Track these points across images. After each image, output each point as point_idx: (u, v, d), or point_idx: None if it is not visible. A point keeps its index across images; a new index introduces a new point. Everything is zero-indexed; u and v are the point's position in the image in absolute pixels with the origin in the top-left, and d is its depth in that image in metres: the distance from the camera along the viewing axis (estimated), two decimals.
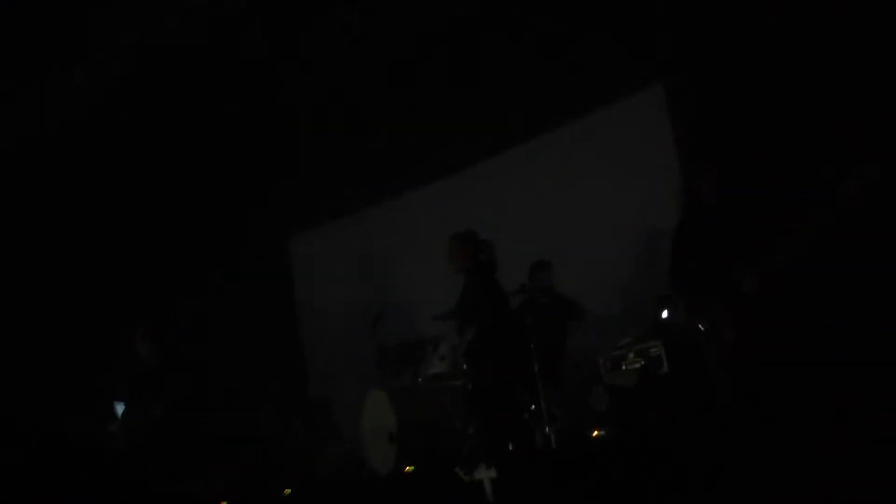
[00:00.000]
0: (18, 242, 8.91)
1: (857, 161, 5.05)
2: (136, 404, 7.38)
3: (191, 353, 8.26)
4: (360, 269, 9.76)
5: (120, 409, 7.45)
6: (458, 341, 6.49)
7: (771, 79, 6.44)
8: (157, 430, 7.19)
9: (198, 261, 9.89)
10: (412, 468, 6.98)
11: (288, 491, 7.51)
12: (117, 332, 8.01)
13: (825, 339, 5.59)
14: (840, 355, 5.48)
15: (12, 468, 4.02)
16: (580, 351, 7.28)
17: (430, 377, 7.13)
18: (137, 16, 7.94)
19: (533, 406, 6.58)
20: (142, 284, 9.35)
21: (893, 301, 5.59)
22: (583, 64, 7.73)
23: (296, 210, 10.21)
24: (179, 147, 9.28)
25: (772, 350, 5.38)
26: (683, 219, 5.90)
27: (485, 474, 5.17)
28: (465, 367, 6.55)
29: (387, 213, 9.60)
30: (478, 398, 6.40)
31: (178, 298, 9.48)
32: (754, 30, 6.54)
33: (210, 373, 8.55)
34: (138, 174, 9.30)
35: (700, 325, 5.62)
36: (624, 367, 6.62)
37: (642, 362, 6.55)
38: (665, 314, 6.77)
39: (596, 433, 6.54)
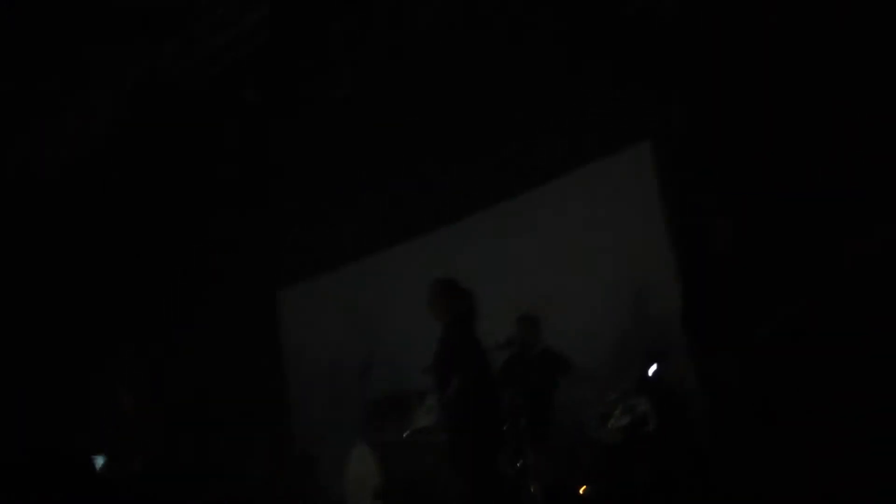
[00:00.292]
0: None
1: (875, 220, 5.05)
2: (115, 457, 7.29)
3: (173, 405, 8.19)
4: (347, 322, 9.71)
5: (99, 462, 7.34)
6: (440, 394, 6.33)
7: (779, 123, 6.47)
8: (136, 483, 7.09)
9: (184, 312, 9.85)
10: None
11: None
12: (99, 382, 7.95)
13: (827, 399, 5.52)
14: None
15: None
16: (567, 406, 7.23)
17: (416, 431, 7.08)
18: (132, 62, 7.98)
19: (519, 462, 6.52)
20: (125, 336, 9.29)
21: None
22: (571, 119, 7.77)
23: (284, 262, 10.20)
24: (170, 195, 9.29)
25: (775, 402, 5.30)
26: (698, 266, 5.83)
27: None
28: (443, 420, 6.44)
29: (374, 266, 9.59)
30: (455, 453, 6.28)
31: (162, 350, 9.42)
32: (755, 74, 6.58)
33: (192, 425, 8.47)
34: (128, 222, 9.30)
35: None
36: (611, 424, 6.59)
37: (629, 419, 6.53)
38: (652, 371, 6.75)
39: (583, 489, 6.47)
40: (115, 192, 9.02)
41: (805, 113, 6.27)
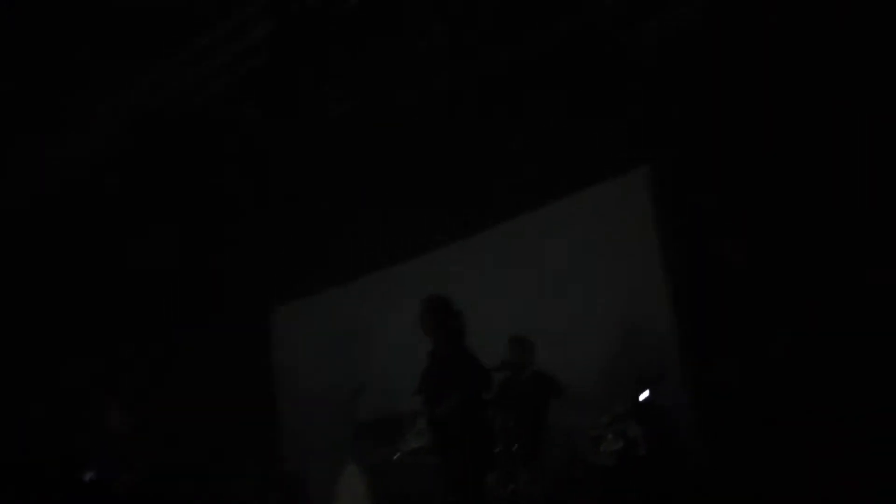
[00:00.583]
0: None
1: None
2: (106, 476, 7.27)
3: (163, 425, 8.18)
4: (340, 342, 9.70)
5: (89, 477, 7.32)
6: (429, 411, 6.21)
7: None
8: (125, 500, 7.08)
9: (177, 331, 9.84)
10: None
11: None
12: (89, 401, 7.93)
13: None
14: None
15: None
16: (559, 429, 7.21)
17: (407, 452, 7.05)
18: (133, 79, 8.03)
19: (511, 485, 6.50)
20: (117, 354, 9.28)
21: None
22: (568, 145, 7.81)
23: (277, 283, 10.20)
24: (169, 211, 9.31)
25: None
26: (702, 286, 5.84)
27: None
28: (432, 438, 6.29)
29: (368, 286, 9.59)
30: (446, 474, 6.20)
31: (153, 369, 9.40)
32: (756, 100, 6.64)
33: (183, 444, 8.45)
34: (126, 239, 9.32)
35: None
36: (602, 447, 6.58)
37: (621, 443, 6.52)
38: (644, 395, 6.75)
39: None
40: (113, 208, 9.05)
41: (806, 134, 6.32)
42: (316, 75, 8.01)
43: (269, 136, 8.64)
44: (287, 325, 10.53)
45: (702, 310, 5.82)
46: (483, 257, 8.73)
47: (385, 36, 7.62)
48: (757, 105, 6.58)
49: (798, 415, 5.56)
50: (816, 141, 6.25)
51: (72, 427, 8.19)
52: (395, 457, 7.46)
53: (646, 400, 6.67)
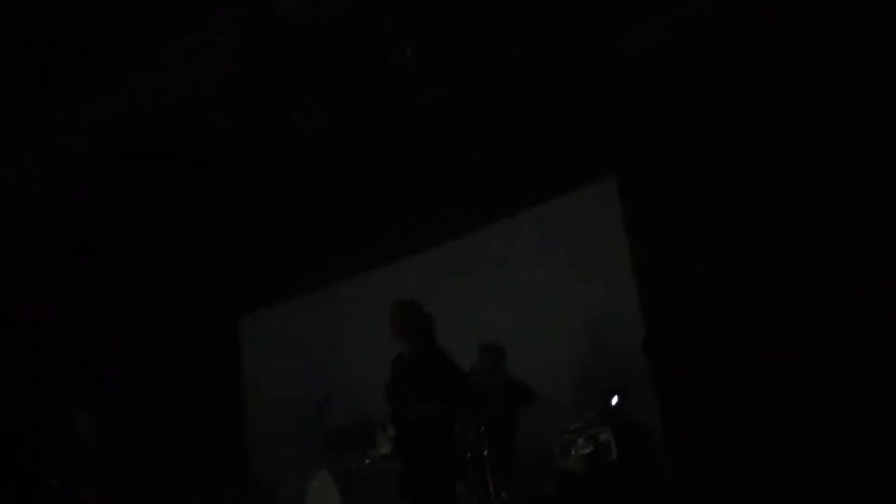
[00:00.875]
0: None
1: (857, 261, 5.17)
2: (70, 484, 7.22)
3: (131, 434, 8.14)
4: (307, 352, 9.70)
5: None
6: (397, 415, 6.23)
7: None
8: None
9: (144, 339, 9.79)
10: None
11: None
12: (57, 411, 7.87)
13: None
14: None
15: None
16: (530, 435, 7.28)
17: (378, 459, 7.08)
18: (101, 92, 7.99)
19: (481, 491, 6.55)
20: (83, 363, 9.21)
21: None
22: (537, 154, 7.90)
23: (244, 291, 10.18)
24: (131, 227, 9.27)
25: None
26: (678, 296, 5.92)
27: None
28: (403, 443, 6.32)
29: (336, 295, 9.61)
30: (414, 481, 6.19)
31: (120, 378, 9.34)
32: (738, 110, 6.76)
33: (150, 454, 8.40)
34: (88, 254, 9.27)
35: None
36: (573, 453, 6.66)
37: (592, 448, 6.60)
38: (615, 401, 6.85)
39: None
40: (79, 219, 8.98)
41: (779, 147, 6.46)
42: (287, 87, 8.05)
43: (238, 147, 8.64)
44: (254, 333, 10.51)
45: (672, 317, 5.91)
46: (453, 265, 8.77)
47: (355, 51, 7.69)
48: (730, 116, 6.72)
49: (766, 427, 5.67)
50: (790, 153, 6.39)
51: (38, 435, 8.13)
52: (366, 463, 7.50)
53: (616, 406, 6.78)
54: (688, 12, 6.78)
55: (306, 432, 8.27)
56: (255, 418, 10.13)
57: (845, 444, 5.58)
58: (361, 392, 8.58)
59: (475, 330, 7.77)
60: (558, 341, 7.84)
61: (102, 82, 8.07)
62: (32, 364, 8.91)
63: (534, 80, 7.60)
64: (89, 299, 9.41)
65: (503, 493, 6.58)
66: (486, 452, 6.54)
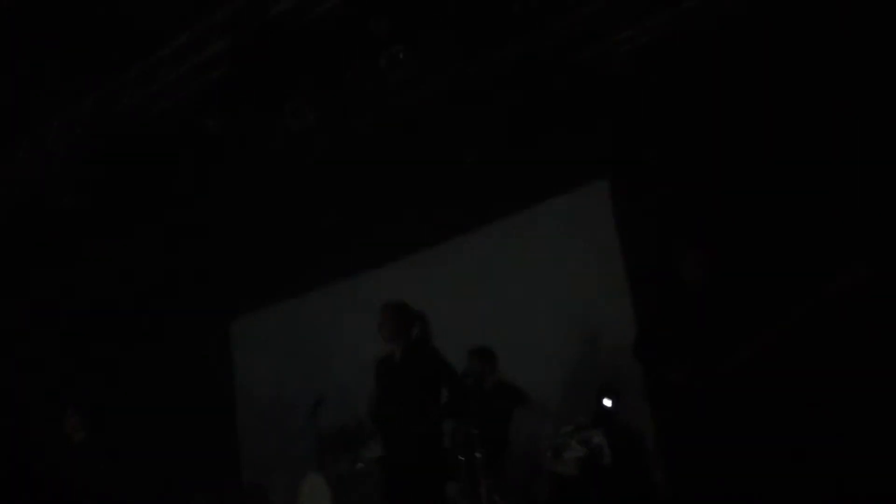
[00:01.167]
0: None
1: (845, 260, 5.16)
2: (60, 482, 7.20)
3: (121, 436, 8.11)
4: (299, 354, 9.69)
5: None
6: (390, 421, 6.07)
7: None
8: None
9: (135, 344, 9.77)
10: None
11: None
12: (48, 412, 7.85)
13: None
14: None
15: None
16: (522, 438, 7.28)
17: (370, 461, 7.06)
18: (92, 90, 7.96)
19: (474, 494, 6.55)
20: (75, 363, 9.19)
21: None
22: (529, 155, 7.90)
23: (236, 294, 10.17)
24: (126, 225, 9.24)
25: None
26: (665, 296, 5.90)
27: None
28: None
29: (327, 298, 9.60)
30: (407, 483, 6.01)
31: (112, 381, 9.32)
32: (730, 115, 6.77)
33: (141, 456, 8.38)
34: (78, 257, 9.24)
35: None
36: (566, 456, 6.65)
37: (584, 451, 6.60)
38: (607, 403, 6.84)
39: None
40: (68, 223, 8.95)
41: (766, 145, 6.47)
42: (276, 89, 8.04)
43: (229, 148, 8.62)
44: (246, 337, 10.50)
45: (661, 318, 5.91)
46: (443, 268, 8.78)
47: (347, 52, 7.67)
48: (721, 116, 6.73)
49: (757, 426, 5.66)
50: (779, 154, 6.41)
51: (29, 433, 8.11)
52: (358, 465, 7.48)
53: (609, 409, 6.77)
54: (679, 12, 6.78)
55: (298, 435, 8.28)
56: (246, 421, 10.12)
57: (837, 441, 5.59)
58: (353, 395, 8.56)
59: (466, 333, 7.76)
60: (550, 344, 7.85)
61: (94, 83, 8.06)
62: (25, 363, 8.88)
63: (525, 80, 7.60)
64: (81, 301, 9.38)
65: (495, 496, 6.57)
66: (478, 455, 6.54)
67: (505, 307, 8.19)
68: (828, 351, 5.65)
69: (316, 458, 7.81)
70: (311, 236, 9.36)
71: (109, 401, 8.64)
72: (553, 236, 8.06)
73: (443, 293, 8.57)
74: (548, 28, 7.27)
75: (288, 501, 7.95)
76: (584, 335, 7.73)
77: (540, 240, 8.14)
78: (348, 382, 8.84)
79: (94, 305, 9.49)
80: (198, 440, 9.38)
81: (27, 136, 8.41)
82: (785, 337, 5.20)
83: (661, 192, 7.10)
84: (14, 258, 8.97)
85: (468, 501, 6.64)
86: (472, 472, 6.61)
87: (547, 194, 8.12)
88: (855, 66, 6.24)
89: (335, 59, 7.77)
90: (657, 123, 7.19)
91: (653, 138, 7.22)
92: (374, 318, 6.42)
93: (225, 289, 10.14)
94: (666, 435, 6.69)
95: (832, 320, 5.13)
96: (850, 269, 4.97)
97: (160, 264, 9.72)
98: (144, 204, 9.02)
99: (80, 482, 7.27)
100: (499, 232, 8.50)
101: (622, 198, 7.59)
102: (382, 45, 7.41)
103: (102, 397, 8.48)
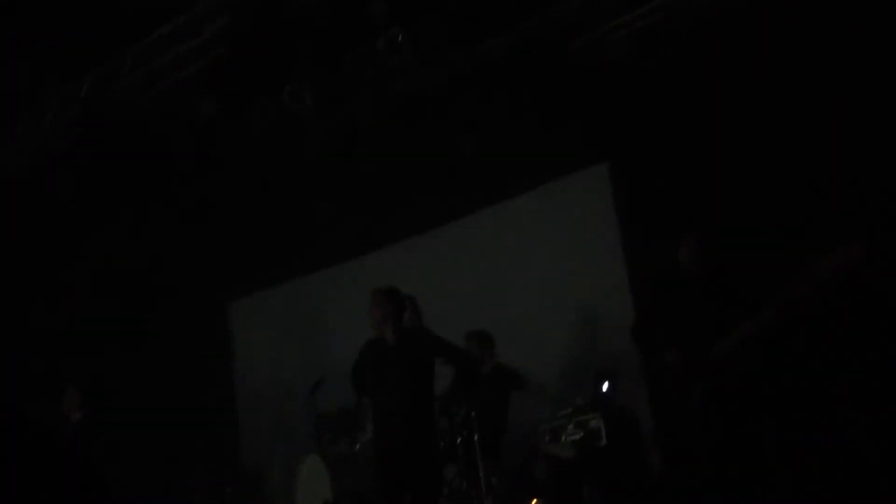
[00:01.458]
0: None
1: (839, 241, 5.18)
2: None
3: (119, 416, 8.15)
4: (297, 335, 9.72)
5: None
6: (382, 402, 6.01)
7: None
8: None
9: (135, 326, 9.80)
10: None
11: None
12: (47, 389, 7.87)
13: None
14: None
15: None
16: (520, 421, 7.32)
17: (368, 443, 7.09)
18: (89, 72, 7.96)
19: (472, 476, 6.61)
20: (75, 342, 9.21)
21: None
22: (528, 140, 7.90)
23: (235, 275, 10.18)
24: (122, 207, 9.25)
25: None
26: (660, 281, 5.92)
27: None
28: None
29: (327, 279, 9.62)
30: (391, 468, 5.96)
31: (111, 362, 9.35)
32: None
33: (139, 437, 8.42)
34: (78, 240, 9.26)
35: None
36: (563, 439, 6.69)
37: (581, 434, 6.64)
38: (605, 387, 6.88)
39: (534, 502, 6.55)
40: (68, 203, 8.96)
41: (763, 130, 6.49)
42: (274, 73, 8.03)
43: (226, 131, 8.62)
44: (244, 318, 10.52)
45: (659, 302, 5.94)
46: (443, 251, 8.78)
47: (347, 35, 7.67)
48: (720, 102, 6.74)
49: (752, 410, 5.70)
50: (776, 138, 6.42)
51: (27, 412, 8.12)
52: (357, 447, 7.52)
53: (606, 392, 6.81)
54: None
55: (297, 416, 8.31)
56: (246, 403, 10.15)
57: (833, 425, 5.62)
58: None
59: (464, 316, 7.79)
60: (548, 327, 7.87)
61: (92, 65, 8.06)
62: (24, 343, 8.90)
63: (525, 66, 7.60)
64: (81, 285, 9.40)
65: (493, 479, 6.62)
66: (475, 438, 6.58)
67: (503, 291, 8.20)
68: (823, 333, 5.68)
69: (314, 439, 7.84)
70: (310, 219, 9.37)
71: (108, 381, 8.68)
72: (551, 220, 8.06)
73: (441, 277, 8.60)
74: (545, 13, 7.28)
75: (287, 482, 7.99)
76: (582, 319, 7.75)
77: (538, 224, 8.14)
78: (347, 364, 8.88)
79: (93, 285, 9.49)
80: (196, 422, 9.42)
81: (24, 118, 8.41)
82: (780, 320, 5.24)
83: (660, 177, 7.11)
84: (12, 238, 8.97)
85: (466, 483, 6.69)
86: (471, 454, 6.66)
87: (545, 179, 8.11)
88: (852, 49, 6.24)
89: (334, 43, 7.77)
90: (656, 107, 7.19)
91: (651, 122, 7.22)
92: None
93: (224, 270, 10.15)
94: (662, 418, 6.76)
95: (827, 302, 5.16)
96: (844, 248, 5.00)
97: (158, 246, 9.73)
98: (142, 186, 9.03)
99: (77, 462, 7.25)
100: (497, 215, 8.49)
101: (621, 182, 7.59)
102: (382, 28, 7.42)
103: (101, 378, 8.51)
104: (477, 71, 7.66)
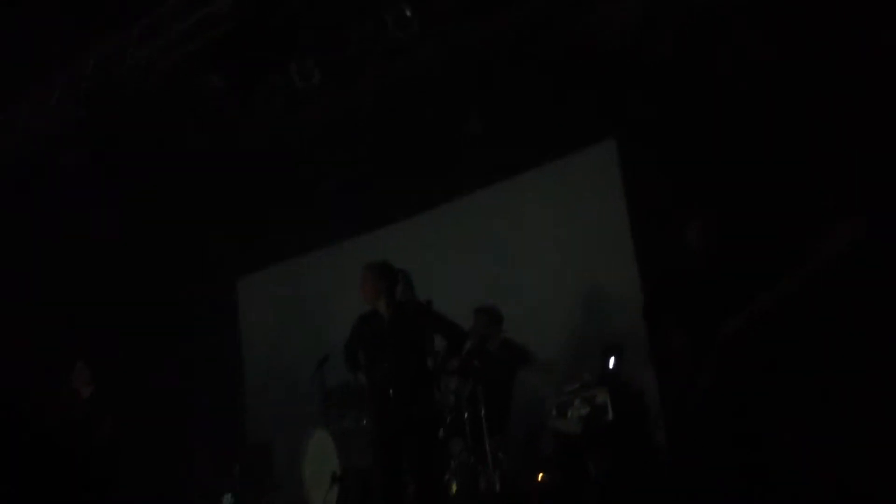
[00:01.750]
0: None
1: (842, 216, 5.16)
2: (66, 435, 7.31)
3: (127, 392, 8.19)
4: (303, 312, 9.74)
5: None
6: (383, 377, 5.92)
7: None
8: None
9: (144, 300, 9.82)
10: None
11: None
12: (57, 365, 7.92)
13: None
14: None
15: None
16: (526, 396, 7.33)
17: None
18: (96, 46, 7.94)
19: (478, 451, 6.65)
20: (86, 320, 9.26)
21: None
22: (536, 117, 7.88)
23: (243, 252, 10.20)
24: (128, 188, 9.26)
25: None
26: (670, 259, 5.91)
27: None
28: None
29: (335, 255, 9.63)
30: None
31: (121, 337, 9.40)
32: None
33: (146, 413, 8.47)
34: (86, 216, 9.27)
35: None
36: (570, 414, 6.70)
37: (588, 409, 6.65)
38: (611, 363, 6.89)
39: (540, 477, 6.57)
40: (74, 180, 8.97)
41: (774, 108, 6.45)
42: (282, 46, 8.01)
43: (233, 107, 8.61)
44: (251, 295, 10.55)
45: (669, 281, 5.92)
46: (450, 228, 8.79)
47: (353, 10, 7.63)
48: (728, 79, 6.71)
49: (759, 388, 5.70)
50: (788, 116, 6.39)
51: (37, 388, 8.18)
52: (364, 423, 7.56)
53: (613, 368, 6.81)
54: None
55: (304, 392, 8.33)
56: (253, 379, 10.20)
57: (839, 402, 5.61)
58: None
59: (471, 293, 7.81)
60: (556, 303, 7.87)
61: (99, 38, 8.04)
62: (35, 317, 8.94)
63: (533, 41, 7.56)
64: (90, 261, 9.42)
65: (499, 454, 6.65)
66: (482, 413, 6.60)
67: (510, 267, 8.21)
68: (830, 311, 5.66)
69: (322, 414, 7.88)
70: (318, 194, 9.37)
71: (116, 358, 8.73)
72: (559, 197, 8.05)
73: (447, 254, 8.62)
74: None
75: (294, 457, 8.03)
76: (589, 295, 7.75)
77: (546, 200, 8.13)
78: None
79: (101, 263, 9.52)
80: (204, 397, 9.47)
81: (32, 92, 8.41)
82: (787, 299, 5.23)
83: (669, 154, 7.08)
84: (20, 211, 8.99)
85: (473, 459, 6.73)
86: (477, 429, 6.69)
87: (553, 155, 8.09)
88: (857, 23, 6.20)
89: (341, 19, 7.74)
90: (665, 83, 7.15)
91: (661, 98, 7.19)
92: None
93: (231, 247, 10.17)
94: (669, 400, 6.76)
95: (833, 280, 5.15)
96: (846, 224, 4.98)
97: (164, 222, 9.74)
98: (149, 162, 9.04)
99: (86, 437, 7.33)
100: (504, 192, 8.49)
101: (630, 159, 7.56)
102: (388, 3, 7.39)
103: (110, 354, 8.55)
104: (485, 46, 7.62)
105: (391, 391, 5.84)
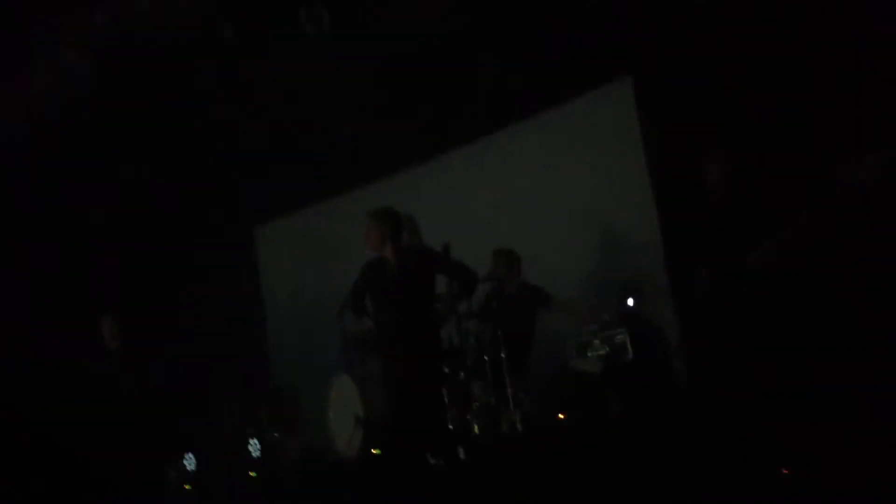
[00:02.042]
0: None
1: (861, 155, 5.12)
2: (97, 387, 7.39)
3: (153, 344, 8.29)
4: (326, 257, 9.78)
5: None
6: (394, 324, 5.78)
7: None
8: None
9: (164, 250, 9.90)
10: (378, 451, 7.01)
11: (253, 474, 7.57)
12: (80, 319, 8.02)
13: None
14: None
15: None
16: (546, 337, 7.38)
17: None
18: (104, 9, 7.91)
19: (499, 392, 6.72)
20: (109, 274, 9.34)
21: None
22: (550, 55, 7.79)
23: (262, 199, 10.23)
24: (145, 140, 9.28)
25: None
26: (689, 196, 5.87)
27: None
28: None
29: (354, 202, 9.63)
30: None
31: (144, 288, 9.49)
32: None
33: (173, 364, 8.57)
34: (105, 169, 9.31)
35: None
36: (589, 354, 6.76)
37: (607, 349, 6.70)
38: (630, 303, 6.91)
39: (561, 416, 6.64)
40: (88, 136, 8.99)
41: (793, 41, 6.36)
42: None
43: (247, 54, 8.57)
44: (271, 242, 10.60)
45: (687, 218, 5.91)
46: (466, 171, 8.77)
47: None
48: (746, 14, 6.61)
49: (778, 325, 5.69)
50: (807, 50, 6.30)
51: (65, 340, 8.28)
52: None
53: (632, 308, 6.84)
54: None
55: (326, 338, 8.41)
56: (275, 326, 10.30)
57: (858, 338, 5.61)
58: None
59: (490, 235, 7.81)
60: (574, 244, 7.87)
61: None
62: (61, 271, 9.04)
63: None
64: (111, 212, 9.49)
65: (520, 394, 6.72)
66: (503, 355, 6.66)
67: (527, 209, 8.20)
68: (850, 245, 5.64)
69: (343, 360, 7.96)
70: (334, 141, 9.35)
71: (141, 308, 8.82)
72: (576, 136, 8.00)
73: (464, 198, 8.61)
74: None
75: (318, 402, 8.14)
76: (607, 235, 7.75)
77: (562, 140, 8.09)
78: None
79: (122, 215, 9.59)
80: (227, 345, 9.57)
81: (41, 49, 8.38)
82: (808, 231, 5.21)
83: (686, 91, 6.99)
84: (39, 171, 9.04)
85: (494, 400, 6.80)
86: (498, 371, 6.75)
87: (568, 95, 8.02)
88: None
89: None
90: (680, 19, 7.05)
91: (676, 34, 7.09)
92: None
93: (249, 195, 10.19)
94: (690, 330, 6.78)
95: (853, 213, 5.12)
96: (872, 156, 4.94)
97: (181, 172, 9.77)
98: (163, 112, 9.04)
99: (114, 389, 7.43)
100: (520, 133, 8.44)
101: (646, 96, 7.47)
102: None
103: (135, 305, 8.65)
104: None
105: (399, 337, 5.78)
